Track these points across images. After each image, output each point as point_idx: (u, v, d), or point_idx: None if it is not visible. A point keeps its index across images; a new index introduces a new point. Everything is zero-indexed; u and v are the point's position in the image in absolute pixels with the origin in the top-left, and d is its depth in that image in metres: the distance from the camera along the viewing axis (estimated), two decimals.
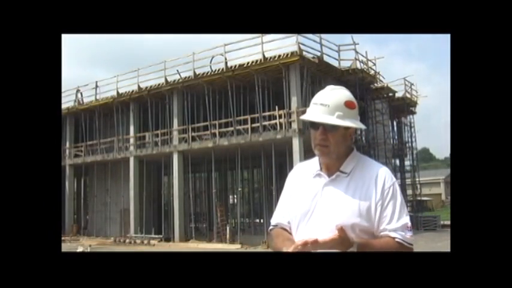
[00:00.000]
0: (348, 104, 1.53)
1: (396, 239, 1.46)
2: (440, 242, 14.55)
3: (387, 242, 1.46)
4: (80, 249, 14.65)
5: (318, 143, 1.54)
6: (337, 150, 1.54)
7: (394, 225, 1.47)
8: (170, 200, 22.52)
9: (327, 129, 1.51)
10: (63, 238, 19.73)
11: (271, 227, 1.69)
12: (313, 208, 1.54)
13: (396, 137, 26.32)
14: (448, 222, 19.43)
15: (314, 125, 1.54)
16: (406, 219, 1.50)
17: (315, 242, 1.36)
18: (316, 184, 1.58)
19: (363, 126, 1.60)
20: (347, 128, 1.54)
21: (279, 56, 17.92)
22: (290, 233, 1.61)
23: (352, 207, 1.48)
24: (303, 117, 1.57)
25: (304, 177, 1.64)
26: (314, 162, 1.64)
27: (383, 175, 1.54)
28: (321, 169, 1.59)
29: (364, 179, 1.53)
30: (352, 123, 1.53)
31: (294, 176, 1.70)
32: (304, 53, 17.71)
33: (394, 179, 1.56)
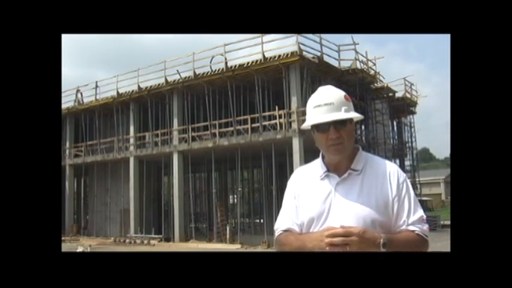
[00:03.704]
0: (346, 98, 1.57)
1: (416, 232, 1.51)
2: (440, 242, 14.49)
3: (408, 235, 1.51)
4: (80, 249, 14.65)
5: (332, 143, 1.53)
6: (349, 145, 1.55)
7: (412, 218, 1.52)
8: (170, 200, 22.53)
9: (338, 126, 1.51)
10: (63, 238, 19.73)
11: (279, 232, 1.63)
12: (327, 209, 1.53)
13: (396, 137, 26.34)
14: (448, 222, 19.43)
15: (321, 128, 1.53)
16: (421, 212, 1.55)
17: (348, 231, 1.39)
18: (325, 185, 1.57)
19: (362, 116, 1.63)
20: (351, 122, 1.56)
21: (279, 56, 17.93)
22: None
23: (370, 204, 1.50)
24: (309, 123, 1.56)
25: (309, 180, 1.62)
26: (317, 165, 1.64)
27: (395, 171, 1.58)
28: (328, 170, 1.59)
29: (377, 175, 1.56)
30: (357, 114, 1.56)
31: (297, 180, 1.68)
32: (304, 53, 17.72)
33: (405, 174, 1.60)
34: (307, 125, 1.57)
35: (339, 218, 1.49)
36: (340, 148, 1.53)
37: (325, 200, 1.54)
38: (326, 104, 1.53)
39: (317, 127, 1.55)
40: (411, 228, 1.52)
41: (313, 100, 1.58)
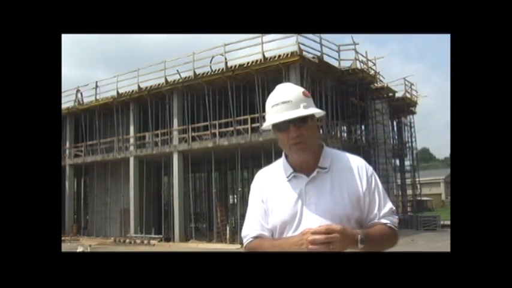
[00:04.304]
0: (305, 94, 1.52)
1: (388, 225, 1.52)
2: (440, 242, 14.55)
3: (382, 229, 1.50)
4: (80, 249, 14.65)
5: (293, 142, 1.48)
6: (312, 143, 1.51)
7: (383, 211, 1.52)
8: (170, 200, 22.54)
9: (297, 124, 1.47)
10: (63, 238, 19.74)
11: (250, 239, 1.58)
12: (300, 210, 1.49)
13: (396, 137, 26.35)
14: (448, 222, 19.44)
15: (282, 127, 1.49)
16: (390, 204, 1.55)
17: (328, 229, 1.35)
18: (294, 186, 1.53)
19: (323, 112, 1.59)
20: (313, 119, 1.52)
21: (279, 56, 17.94)
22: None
23: (343, 201, 1.48)
24: (269, 123, 1.50)
25: (276, 183, 1.57)
26: (281, 166, 1.59)
27: (362, 165, 1.56)
28: (294, 170, 1.54)
29: (346, 171, 1.53)
30: (317, 110, 1.52)
31: (262, 183, 1.61)
32: (304, 53, 17.73)
33: (371, 168, 1.58)
34: (266, 125, 1.53)
35: (314, 219, 1.46)
36: (303, 147, 1.49)
37: (297, 202, 1.50)
38: (283, 102, 1.48)
39: (278, 127, 1.50)
40: (383, 221, 1.51)
41: (271, 99, 1.53)
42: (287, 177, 1.55)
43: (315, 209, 1.48)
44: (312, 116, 1.51)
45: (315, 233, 1.36)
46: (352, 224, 1.47)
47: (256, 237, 1.57)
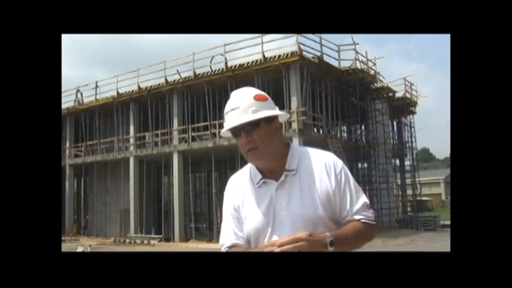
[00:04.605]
0: (258, 98, 1.48)
1: (362, 220, 1.48)
2: (440, 242, 14.55)
3: (354, 226, 1.47)
4: (80, 249, 14.65)
5: (246, 149, 1.46)
6: (268, 148, 1.47)
7: (355, 207, 1.48)
8: (170, 200, 22.53)
9: (249, 130, 1.44)
10: (63, 238, 19.73)
11: (225, 249, 1.56)
12: (272, 217, 1.47)
13: (396, 137, 26.36)
14: (448, 222, 19.44)
15: (236, 134, 1.48)
16: (364, 198, 1.51)
17: (286, 241, 1.32)
18: (264, 192, 1.50)
19: (281, 113, 1.52)
20: (269, 122, 1.48)
21: (279, 56, 17.93)
22: None
23: (314, 202, 1.45)
24: (222, 133, 1.52)
25: (246, 189, 1.55)
26: (251, 172, 1.57)
27: (331, 162, 1.51)
28: (264, 176, 1.52)
29: (313, 170, 1.49)
30: (270, 112, 1.47)
31: (233, 191, 1.59)
32: (304, 53, 17.72)
33: (342, 162, 1.54)
34: (221, 134, 1.53)
35: (286, 225, 1.44)
36: (256, 153, 1.46)
37: (268, 209, 1.48)
38: (232, 110, 1.46)
39: (233, 134, 1.49)
40: (356, 217, 1.48)
41: (225, 108, 1.51)
42: (257, 184, 1.53)
43: (287, 215, 1.46)
44: (268, 119, 1.47)
45: (281, 245, 1.33)
46: (326, 223, 1.45)
47: (231, 247, 1.56)
